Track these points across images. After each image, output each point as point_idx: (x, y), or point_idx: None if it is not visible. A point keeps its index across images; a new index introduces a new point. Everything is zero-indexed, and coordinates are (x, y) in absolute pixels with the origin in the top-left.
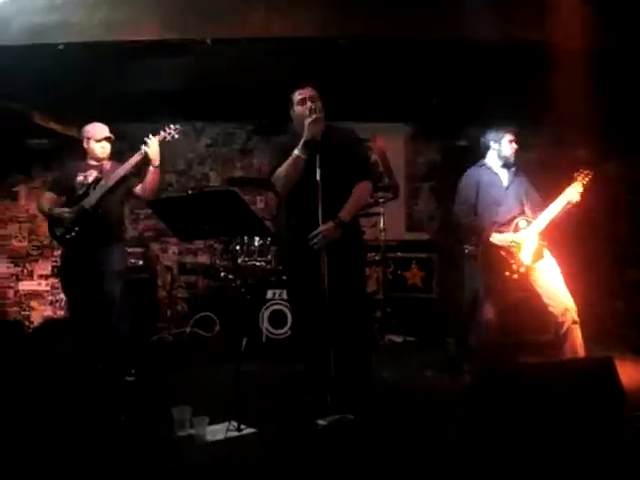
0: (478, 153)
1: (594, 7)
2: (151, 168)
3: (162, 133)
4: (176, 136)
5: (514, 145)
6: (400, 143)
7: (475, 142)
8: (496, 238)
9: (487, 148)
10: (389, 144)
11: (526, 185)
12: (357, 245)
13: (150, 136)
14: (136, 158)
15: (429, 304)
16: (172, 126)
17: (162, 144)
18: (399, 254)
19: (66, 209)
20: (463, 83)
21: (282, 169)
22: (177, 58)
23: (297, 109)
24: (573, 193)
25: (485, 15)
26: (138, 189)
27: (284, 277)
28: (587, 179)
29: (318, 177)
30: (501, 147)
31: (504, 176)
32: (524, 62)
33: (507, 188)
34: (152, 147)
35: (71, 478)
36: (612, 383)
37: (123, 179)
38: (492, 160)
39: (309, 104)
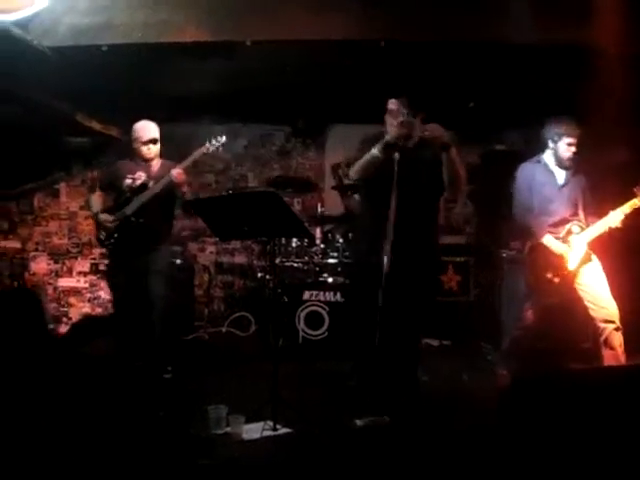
0: (516, 157)
1: (636, 9)
2: (178, 194)
3: (206, 145)
4: (220, 149)
5: (572, 148)
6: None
7: (513, 146)
8: (547, 240)
9: (546, 145)
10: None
11: (583, 186)
12: (430, 254)
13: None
14: (165, 181)
15: (465, 308)
16: (218, 138)
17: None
18: None
19: (109, 217)
20: (502, 86)
21: (359, 162)
22: (217, 59)
23: (388, 117)
24: (630, 208)
25: (525, 17)
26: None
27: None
28: None
29: (395, 184)
30: (557, 148)
31: (560, 175)
32: (565, 65)
33: (562, 187)
34: (177, 177)
35: (110, 471)
36: None
37: (161, 193)
38: (549, 157)
39: (402, 110)
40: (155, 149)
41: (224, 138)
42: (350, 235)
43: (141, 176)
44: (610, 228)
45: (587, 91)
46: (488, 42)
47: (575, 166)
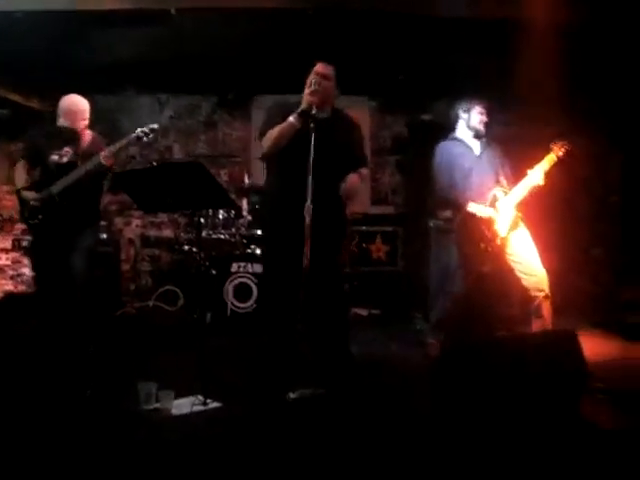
0: (443, 127)
1: None
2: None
3: (137, 131)
4: (151, 136)
5: (484, 117)
6: (366, 117)
7: (440, 117)
8: (473, 207)
9: (457, 119)
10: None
11: (500, 155)
12: (341, 222)
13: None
14: (92, 163)
15: (394, 277)
16: (149, 125)
17: (125, 118)
18: (364, 228)
19: (34, 195)
20: (430, 58)
21: (273, 131)
22: (141, 28)
23: (307, 79)
24: (549, 164)
25: None
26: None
27: (262, 245)
28: (563, 150)
29: (312, 151)
30: (470, 117)
31: (476, 146)
32: (491, 38)
33: (479, 157)
34: (106, 159)
35: (37, 454)
36: (576, 356)
37: (89, 173)
38: (462, 132)
39: (316, 78)
40: (84, 123)
41: (156, 125)
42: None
43: (68, 152)
44: (533, 188)
45: (515, 64)
46: (417, 14)
47: (488, 136)
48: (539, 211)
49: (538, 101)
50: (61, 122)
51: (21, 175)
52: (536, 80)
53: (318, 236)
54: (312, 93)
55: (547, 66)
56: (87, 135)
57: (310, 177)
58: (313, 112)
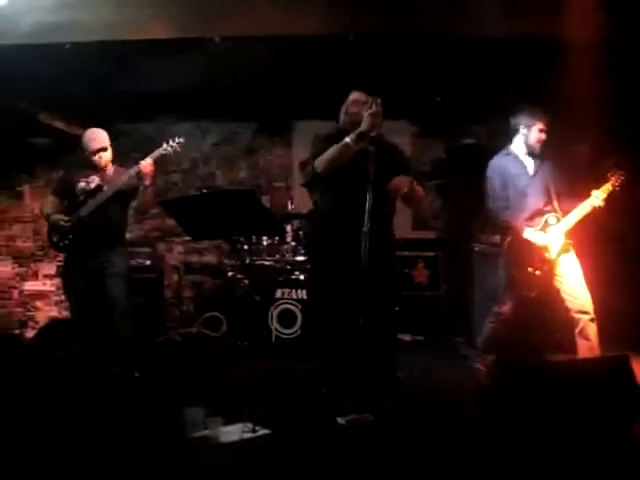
0: (483, 151)
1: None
2: (141, 188)
3: (164, 145)
4: (178, 149)
5: (543, 135)
6: (406, 141)
7: (480, 139)
8: (528, 235)
9: (515, 132)
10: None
11: (553, 173)
12: (392, 245)
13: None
14: (128, 175)
15: (436, 302)
16: (176, 139)
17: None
18: (405, 252)
19: (63, 217)
20: (469, 79)
21: (328, 153)
22: (183, 57)
23: (351, 109)
24: (603, 194)
25: (491, 10)
26: (134, 204)
27: (314, 268)
28: (619, 181)
29: (371, 173)
30: (530, 134)
31: (530, 164)
32: (531, 57)
33: (533, 177)
34: (145, 167)
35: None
36: (628, 382)
37: (119, 192)
38: (518, 146)
39: (374, 101)
40: (106, 156)
41: (182, 139)
42: (313, 232)
43: (95, 179)
44: (586, 215)
45: (553, 83)
46: (455, 35)
47: (543, 154)
48: (580, 233)
49: (577, 120)
50: (86, 155)
51: (49, 206)
52: (575, 99)
53: (373, 261)
54: (375, 115)
55: (586, 85)
56: (111, 167)
57: (369, 200)
58: (372, 134)
